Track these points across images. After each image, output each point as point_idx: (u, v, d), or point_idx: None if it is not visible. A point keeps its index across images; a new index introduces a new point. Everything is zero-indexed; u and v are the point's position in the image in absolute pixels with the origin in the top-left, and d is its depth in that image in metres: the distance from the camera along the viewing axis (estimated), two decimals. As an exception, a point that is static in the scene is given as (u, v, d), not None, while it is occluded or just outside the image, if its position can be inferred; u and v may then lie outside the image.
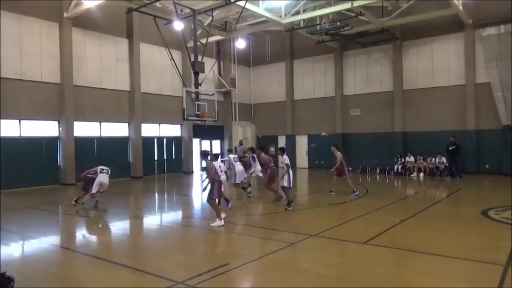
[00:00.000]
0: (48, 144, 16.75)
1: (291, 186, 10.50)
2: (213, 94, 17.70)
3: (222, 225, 8.17)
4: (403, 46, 20.80)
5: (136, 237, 8.31)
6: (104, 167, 11.01)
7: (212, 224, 8.22)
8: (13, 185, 14.94)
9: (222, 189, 9.16)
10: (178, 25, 17.25)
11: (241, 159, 13.52)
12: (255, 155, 12.72)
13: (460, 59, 19.14)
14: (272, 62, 25.93)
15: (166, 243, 7.58)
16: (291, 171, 10.46)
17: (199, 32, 17.42)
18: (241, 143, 18.94)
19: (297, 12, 17.90)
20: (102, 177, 10.72)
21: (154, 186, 17.34)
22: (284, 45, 25.09)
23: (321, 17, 18.83)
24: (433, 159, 18.44)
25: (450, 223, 8.62)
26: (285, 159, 10.44)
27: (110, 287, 5.01)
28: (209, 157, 9.01)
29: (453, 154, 17.78)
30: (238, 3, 15.29)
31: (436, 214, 9.68)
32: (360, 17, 17.58)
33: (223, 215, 8.43)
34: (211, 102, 16.93)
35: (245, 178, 12.34)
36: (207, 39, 17.02)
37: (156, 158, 21.29)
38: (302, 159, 24.84)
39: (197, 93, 15.99)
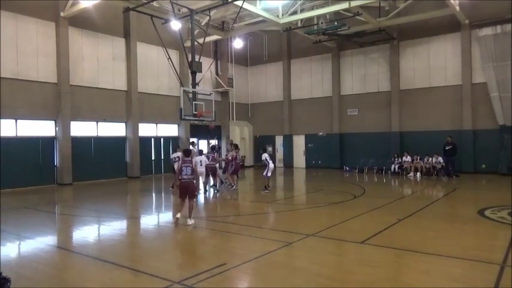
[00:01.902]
0: (45, 144, 16.69)
1: (268, 175, 13.50)
2: (211, 94, 17.66)
3: (174, 223, 8.38)
4: (400, 46, 20.85)
5: (133, 237, 8.29)
6: (202, 158, 12.70)
7: (189, 223, 8.41)
8: (9, 185, 14.88)
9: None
10: (175, 25, 17.21)
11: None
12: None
13: (456, 59, 19.20)
14: (269, 61, 25.95)
15: (163, 242, 7.56)
16: (270, 166, 13.42)
17: (196, 31, 17.38)
18: (231, 143, 19.09)
19: (295, 12, 17.93)
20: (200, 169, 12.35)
21: (151, 186, 17.29)
22: (281, 45, 25.09)
23: (318, 17, 18.87)
24: (430, 158, 18.50)
25: (447, 223, 8.65)
26: (262, 155, 13.70)
27: (107, 287, 4.99)
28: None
29: (450, 154, 17.82)
30: (235, 3, 15.28)
31: (433, 214, 9.70)
32: (357, 17, 17.60)
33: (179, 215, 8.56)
34: (209, 102, 16.91)
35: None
36: (204, 39, 16.99)
37: (153, 158, 21.26)
38: (299, 159, 24.83)
39: (194, 93, 15.97)
